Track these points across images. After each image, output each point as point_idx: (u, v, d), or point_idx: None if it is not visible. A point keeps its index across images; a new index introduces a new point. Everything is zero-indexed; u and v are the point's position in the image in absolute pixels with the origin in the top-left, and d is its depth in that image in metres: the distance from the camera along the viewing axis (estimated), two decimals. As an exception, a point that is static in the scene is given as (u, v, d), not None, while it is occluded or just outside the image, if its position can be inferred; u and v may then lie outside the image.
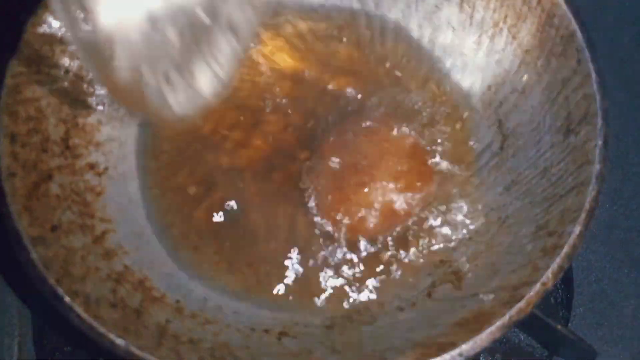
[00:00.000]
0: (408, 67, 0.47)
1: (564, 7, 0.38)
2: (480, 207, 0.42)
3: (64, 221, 0.37)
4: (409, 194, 0.41)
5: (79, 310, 0.32)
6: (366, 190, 0.42)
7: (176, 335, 0.35)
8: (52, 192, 0.38)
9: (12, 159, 0.36)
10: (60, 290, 0.32)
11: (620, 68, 0.52)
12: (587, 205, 0.34)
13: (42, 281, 0.33)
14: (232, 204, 0.42)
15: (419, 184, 0.42)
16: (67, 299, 0.32)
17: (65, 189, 0.39)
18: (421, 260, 0.41)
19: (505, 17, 0.42)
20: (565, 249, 0.33)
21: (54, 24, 0.40)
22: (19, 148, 0.37)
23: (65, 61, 0.41)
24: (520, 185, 0.40)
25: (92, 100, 0.42)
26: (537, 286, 0.32)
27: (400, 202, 0.41)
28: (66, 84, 0.41)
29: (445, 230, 0.41)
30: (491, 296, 0.34)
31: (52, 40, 0.40)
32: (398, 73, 0.47)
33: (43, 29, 0.39)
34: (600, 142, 0.35)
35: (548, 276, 0.32)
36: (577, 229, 0.33)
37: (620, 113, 0.51)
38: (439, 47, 0.46)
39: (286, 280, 0.40)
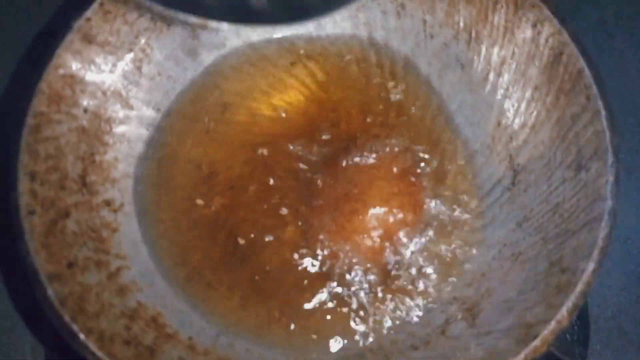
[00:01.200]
0: (417, 103, 0.47)
1: (572, 45, 0.39)
2: (492, 243, 0.42)
3: (80, 258, 0.38)
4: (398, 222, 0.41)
5: (94, 347, 0.32)
6: (375, 228, 0.42)
7: (189, 373, 0.35)
8: (69, 229, 0.38)
9: (31, 196, 0.37)
10: (75, 327, 0.33)
11: (629, 102, 0.53)
12: (600, 242, 0.34)
13: (58, 318, 0.33)
14: (243, 241, 0.42)
15: (411, 215, 0.42)
16: (81, 336, 0.32)
17: (81, 226, 0.39)
18: (434, 297, 0.41)
19: (513, 54, 0.43)
20: (579, 286, 0.33)
21: (74, 65, 0.41)
22: (38, 186, 0.38)
23: (85, 100, 0.42)
24: (532, 221, 0.40)
25: (108, 138, 0.43)
26: (552, 324, 0.31)
27: (409, 238, 0.42)
28: (85, 122, 0.42)
29: (458, 266, 0.41)
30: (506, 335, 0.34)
31: (73, 80, 0.41)
32: (407, 109, 0.47)
33: (64, 70, 0.40)
34: (611, 178, 0.35)
35: (563, 314, 0.32)
36: (591, 266, 0.33)
37: (632, 148, 0.51)
38: (447, 83, 0.47)
39: (298, 319, 0.40)
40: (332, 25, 0.49)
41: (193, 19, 0.46)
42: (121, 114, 0.44)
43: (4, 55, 0.45)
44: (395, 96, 0.48)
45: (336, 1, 0.34)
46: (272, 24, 0.46)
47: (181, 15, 0.46)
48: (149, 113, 0.46)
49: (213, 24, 0.47)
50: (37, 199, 0.37)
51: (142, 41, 0.45)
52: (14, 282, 0.34)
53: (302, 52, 0.49)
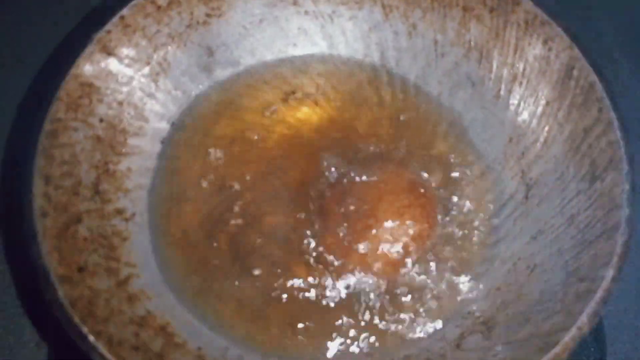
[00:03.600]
0: (429, 121, 0.48)
1: (583, 59, 0.40)
2: (506, 257, 0.41)
3: (90, 263, 0.37)
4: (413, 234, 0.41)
5: (103, 349, 0.32)
6: (387, 242, 0.42)
7: (198, 382, 0.34)
8: (81, 235, 0.38)
9: (45, 199, 0.37)
10: (84, 329, 0.32)
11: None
12: (618, 249, 0.33)
13: (68, 319, 0.32)
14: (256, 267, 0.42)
15: (425, 225, 0.42)
16: (91, 337, 0.32)
17: (93, 232, 0.39)
18: (448, 312, 0.40)
19: (524, 71, 0.44)
20: (599, 293, 0.32)
21: (93, 75, 0.42)
22: (52, 190, 0.38)
23: (101, 110, 0.42)
24: (547, 234, 0.40)
25: (123, 149, 0.44)
26: (573, 330, 0.31)
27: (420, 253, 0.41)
28: (100, 131, 0.42)
29: (471, 280, 0.40)
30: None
31: (90, 90, 0.42)
32: (418, 128, 0.48)
33: (83, 79, 0.41)
34: (627, 187, 0.35)
35: (583, 320, 0.31)
36: (610, 273, 0.32)
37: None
38: (459, 101, 0.47)
39: (309, 332, 0.39)
40: (345, 45, 0.50)
41: (209, 38, 0.48)
42: (136, 125, 0.44)
43: (27, 62, 0.46)
44: (406, 115, 0.48)
45: None
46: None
47: (197, 34, 0.47)
48: (163, 126, 0.46)
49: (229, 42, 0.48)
50: (50, 202, 0.37)
51: (160, 55, 0.46)
52: (24, 284, 0.34)
53: (315, 71, 0.50)
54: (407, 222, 0.42)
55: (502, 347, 0.34)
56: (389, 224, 0.42)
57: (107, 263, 0.38)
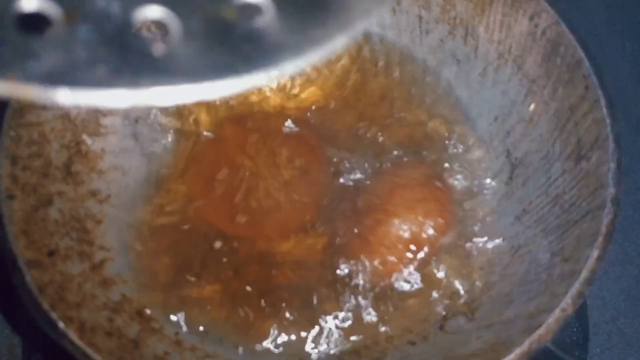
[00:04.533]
0: (413, 100, 0.47)
1: (569, 36, 0.39)
2: (489, 237, 0.41)
3: (61, 247, 0.36)
4: (426, 230, 0.40)
5: (73, 336, 0.30)
6: (382, 228, 0.41)
7: (175, 367, 0.33)
8: (51, 217, 0.36)
9: (12, 181, 0.35)
10: (54, 315, 0.31)
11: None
12: (603, 229, 0.33)
13: (36, 305, 0.31)
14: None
15: (440, 220, 0.41)
16: (61, 324, 0.31)
17: (65, 215, 0.37)
18: (431, 293, 0.39)
19: (510, 48, 0.43)
20: (584, 273, 0.31)
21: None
22: (20, 171, 0.36)
23: (72, 88, 0.41)
24: (531, 214, 0.39)
25: (96, 129, 0.42)
26: (557, 312, 0.30)
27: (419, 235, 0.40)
28: (71, 110, 0.40)
29: (456, 260, 0.40)
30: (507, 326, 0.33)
31: (60, 66, 0.40)
32: (403, 106, 0.47)
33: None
34: (613, 166, 0.34)
35: (567, 302, 0.31)
36: (595, 253, 0.32)
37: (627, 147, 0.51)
38: (444, 79, 0.46)
39: (290, 315, 0.38)
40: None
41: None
42: (109, 104, 0.43)
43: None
44: (391, 95, 0.47)
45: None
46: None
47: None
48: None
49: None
50: (17, 184, 0.35)
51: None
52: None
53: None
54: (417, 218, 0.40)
55: (485, 330, 0.33)
56: (393, 217, 0.40)
57: (80, 247, 0.37)
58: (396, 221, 0.40)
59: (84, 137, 0.41)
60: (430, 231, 0.40)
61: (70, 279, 0.34)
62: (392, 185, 0.42)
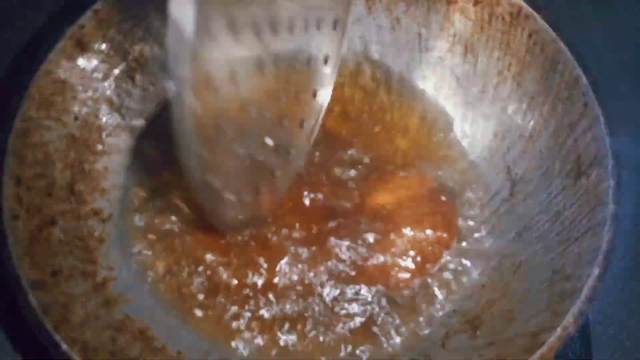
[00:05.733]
0: (413, 117, 0.47)
1: (568, 53, 0.39)
2: (491, 254, 0.41)
3: (65, 267, 0.36)
4: (432, 244, 0.40)
5: (76, 358, 0.30)
6: (388, 241, 0.41)
7: (177, 387, 0.33)
8: (55, 237, 0.37)
9: (16, 202, 0.35)
10: (57, 337, 0.31)
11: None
12: (604, 247, 0.33)
13: (40, 326, 0.31)
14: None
15: (445, 235, 0.41)
16: (64, 346, 0.31)
17: (68, 235, 0.38)
18: (434, 311, 0.39)
19: (509, 65, 0.43)
20: (585, 291, 0.32)
21: (66, 72, 0.40)
22: (24, 191, 0.36)
23: (75, 108, 0.41)
24: (532, 230, 0.39)
25: (99, 148, 0.42)
26: (559, 331, 0.30)
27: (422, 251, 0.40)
28: (74, 130, 0.41)
29: (457, 277, 0.40)
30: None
31: (64, 87, 0.40)
32: (402, 124, 0.47)
33: (55, 75, 0.40)
34: (612, 183, 0.35)
35: (569, 320, 0.31)
36: (596, 271, 0.32)
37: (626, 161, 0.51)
38: (443, 96, 0.47)
39: (292, 335, 0.39)
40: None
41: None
42: (112, 123, 0.43)
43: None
44: (391, 111, 0.47)
45: None
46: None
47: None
48: (140, 124, 0.45)
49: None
50: (22, 204, 0.36)
51: (136, 51, 0.44)
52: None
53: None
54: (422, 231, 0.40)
55: (487, 348, 0.33)
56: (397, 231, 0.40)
57: (83, 266, 0.37)
58: (404, 233, 0.40)
59: (88, 156, 0.41)
60: (436, 246, 0.40)
61: (74, 299, 0.35)
62: (399, 198, 0.42)
